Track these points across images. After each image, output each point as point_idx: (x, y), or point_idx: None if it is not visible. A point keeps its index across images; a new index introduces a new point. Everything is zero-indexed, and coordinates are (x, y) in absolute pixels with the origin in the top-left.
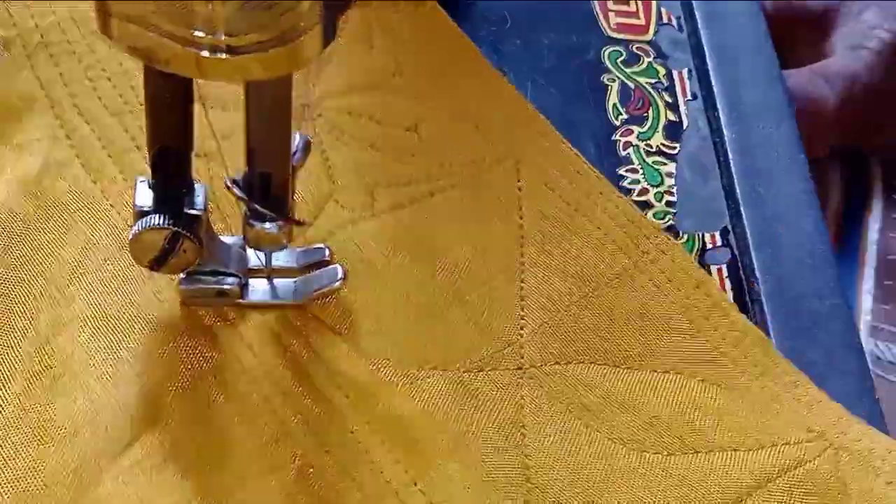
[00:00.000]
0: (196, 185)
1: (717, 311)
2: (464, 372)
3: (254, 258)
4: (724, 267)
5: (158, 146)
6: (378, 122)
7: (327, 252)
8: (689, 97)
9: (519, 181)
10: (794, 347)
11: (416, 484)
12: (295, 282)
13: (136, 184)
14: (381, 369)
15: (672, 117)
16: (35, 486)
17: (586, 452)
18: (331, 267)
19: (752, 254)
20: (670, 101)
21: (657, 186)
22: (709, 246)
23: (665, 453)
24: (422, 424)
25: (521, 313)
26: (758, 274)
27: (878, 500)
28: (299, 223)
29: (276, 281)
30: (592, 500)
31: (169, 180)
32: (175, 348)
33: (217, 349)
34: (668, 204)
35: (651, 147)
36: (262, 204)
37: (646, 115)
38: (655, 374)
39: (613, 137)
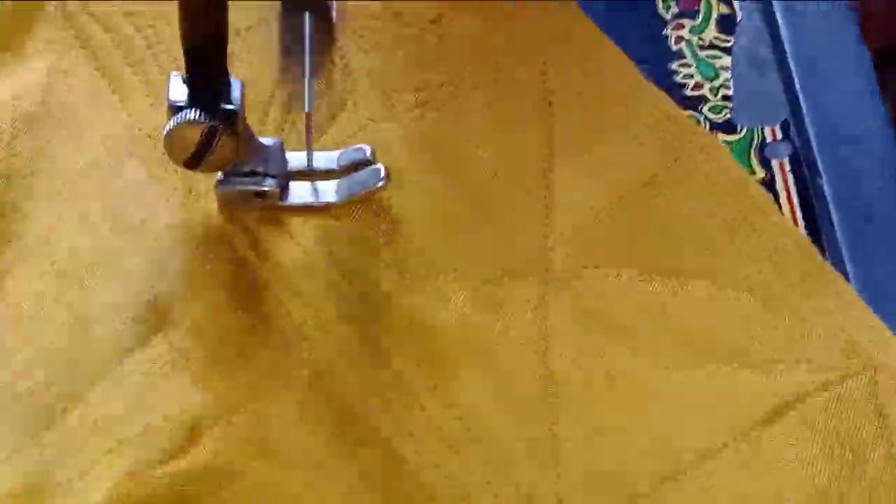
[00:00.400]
0: (231, 80)
1: (759, 212)
2: (487, 281)
3: (293, 160)
4: (785, 160)
5: (194, 37)
6: (399, 18)
7: (368, 151)
8: None
9: (546, 83)
10: (856, 240)
11: (436, 388)
12: (337, 182)
13: (169, 78)
14: (405, 277)
15: (725, 10)
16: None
17: (610, 368)
18: (373, 167)
19: (815, 147)
20: None
21: (712, 80)
22: (769, 140)
23: (692, 368)
24: (444, 332)
25: (547, 221)
26: (820, 167)
27: None
28: None
29: (317, 182)
30: (616, 417)
31: (204, 74)
32: (188, 252)
33: (233, 252)
34: (725, 98)
35: (704, 41)
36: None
37: (697, 8)
38: (688, 282)
39: (664, 32)
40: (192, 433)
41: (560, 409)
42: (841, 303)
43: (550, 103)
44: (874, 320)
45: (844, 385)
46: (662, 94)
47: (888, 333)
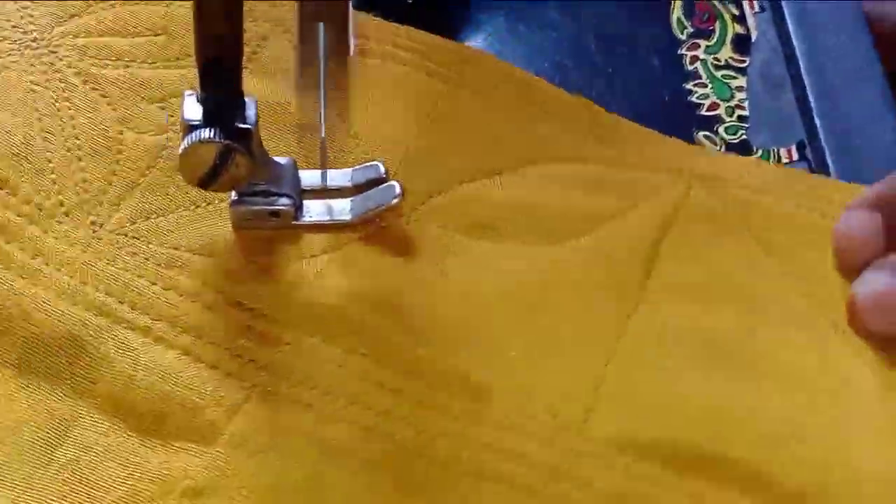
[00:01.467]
0: (246, 99)
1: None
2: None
3: (307, 179)
4: None
5: (208, 55)
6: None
7: (382, 168)
8: (757, 9)
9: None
10: None
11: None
12: (351, 200)
13: (183, 97)
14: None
15: (740, 30)
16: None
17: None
18: (387, 184)
19: (831, 167)
20: (737, 13)
21: (727, 101)
22: (785, 160)
23: (565, 242)
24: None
25: None
26: None
27: (761, 208)
28: None
29: (331, 201)
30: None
31: (218, 93)
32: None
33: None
34: (741, 119)
35: (719, 61)
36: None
37: (712, 28)
38: (524, 169)
39: (679, 52)
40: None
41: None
42: (637, 136)
43: None
44: (669, 140)
45: (687, 198)
46: None
47: (684, 143)
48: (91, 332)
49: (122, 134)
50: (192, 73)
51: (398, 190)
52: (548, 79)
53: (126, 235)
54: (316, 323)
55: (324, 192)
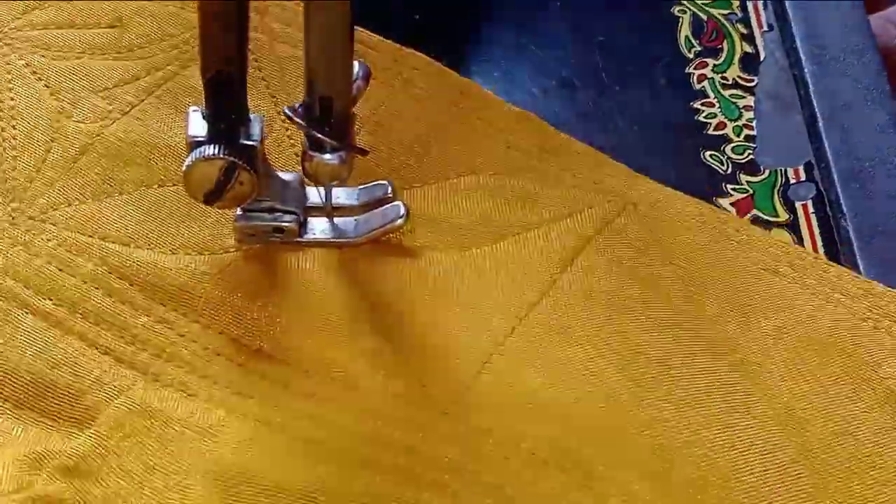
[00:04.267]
0: (251, 116)
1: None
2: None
3: (312, 195)
4: (809, 203)
5: (212, 71)
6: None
7: (390, 188)
8: (766, 28)
9: None
10: (886, 283)
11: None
12: (356, 219)
13: (188, 113)
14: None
15: (748, 49)
16: None
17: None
18: (392, 204)
19: (839, 189)
20: (745, 32)
21: (735, 120)
22: (792, 181)
23: (481, 247)
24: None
25: None
26: (845, 209)
27: (685, 246)
28: (362, 151)
29: (336, 219)
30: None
31: (223, 109)
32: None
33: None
34: (748, 138)
35: (727, 80)
36: (323, 132)
37: (720, 47)
38: (459, 180)
39: (687, 70)
40: None
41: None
42: (584, 158)
43: None
44: (617, 164)
45: (612, 225)
46: None
47: (631, 172)
48: None
49: (59, 122)
50: (141, 65)
51: (403, 210)
52: (554, 96)
53: (45, 222)
54: (209, 316)
55: (330, 210)
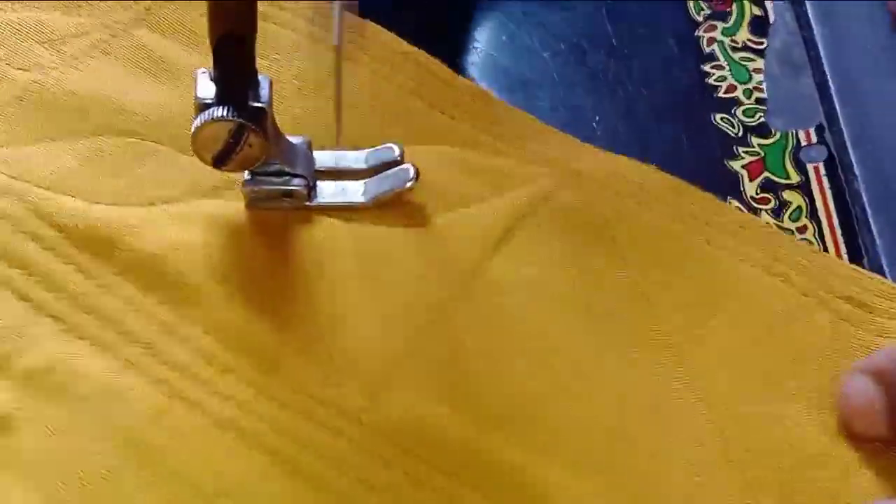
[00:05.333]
0: (260, 77)
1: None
2: None
3: (320, 159)
4: (820, 165)
5: (221, 32)
6: None
7: (397, 151)
8: None
9: None
10: (895, 244)
11: None
12: (364, 183)
13: (197, 76)
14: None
15: (757, 12)
16: None
17: None
18: (402, 167)
19: (850, 150)
20: None
21: (745, 83)
22: (803, 143)
23: (418, 222)
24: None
25: None
26: (857, 170)
27: (626, 213)
28: None
29: (345, 182)
30: None
31: (232, 71)
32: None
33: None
34: (759, 101)
35: (737, 43)
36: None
37: (729, 10)
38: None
39: (696, 34)
40: None
41: None
42: (529, 130)
43: None
44: (562, 135)
45: (552, 199)
46: None
47: (576, 142)
48: None
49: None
50: (90, 22)
51: (412, 173)
52: (563, 60)
53: None
54: (131, 270)
55: (338, 174)
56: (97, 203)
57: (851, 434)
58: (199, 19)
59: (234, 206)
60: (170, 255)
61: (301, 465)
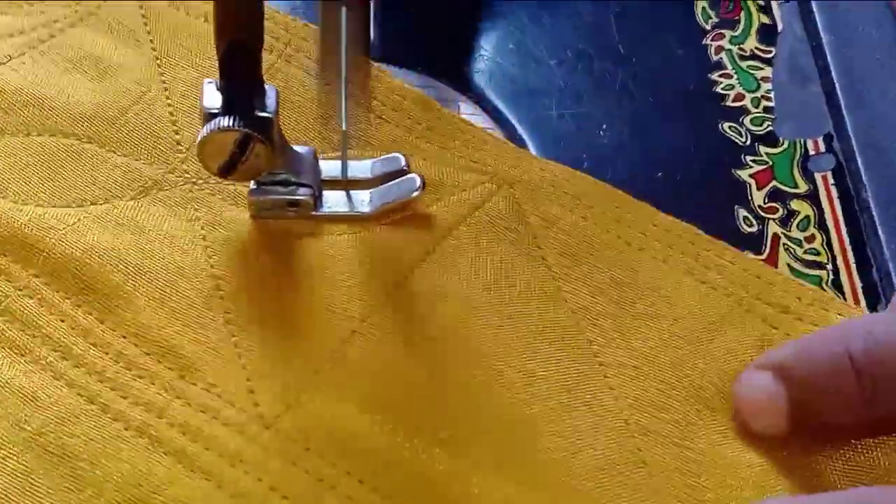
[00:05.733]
0: (267, 87)
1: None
2: None
3: (326, 168)
4: (828, 174)
5: (227, 41)
6: None
7: (403, 161)
8: None
9: None
10: None
11: None
12: (370, 192)
13: (203, 85)
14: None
15: (765, 20)
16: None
17: None
18: (408, 177)
19: (859, 159)
20: (763, 3)
21: (753, 92)
22: (812, 152)
23: (345, 231)
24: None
25: None
26: (865, 179)
27: (556, 220)
28: None
29: (351, 192)
30: None
31: (238, 80)
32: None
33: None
34: (766, 110)
35: (745, 51)
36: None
37: (737, 18)
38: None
39: (704, 42)
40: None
41: None
42: (468, 138)
43: None
44: (498, 141)
45: (485, 207)
46: None
47: (512, 149)
48: None
49: None
50: (28, 21)
51: (418, 183)
52: (570, 68)
53: None
54: (52, 273)
55: (344, 183)
56: (22, 203)
57: (751, 432)
58: (139, 20)
59: (157, 209)
60: (93, 258)
61: (213, 471)
